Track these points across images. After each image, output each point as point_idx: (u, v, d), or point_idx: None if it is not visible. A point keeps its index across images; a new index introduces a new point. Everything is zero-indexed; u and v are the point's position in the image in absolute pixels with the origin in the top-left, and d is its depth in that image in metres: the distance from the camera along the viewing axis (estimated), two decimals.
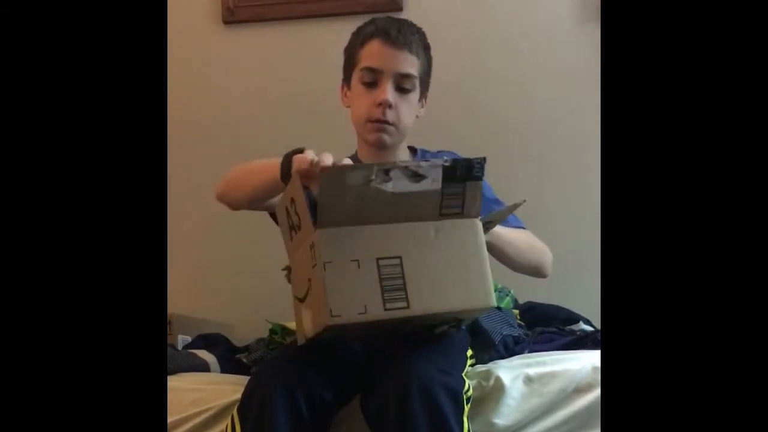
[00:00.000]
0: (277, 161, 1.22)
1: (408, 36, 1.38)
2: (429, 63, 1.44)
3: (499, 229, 1.28)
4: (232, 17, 2.03)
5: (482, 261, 1.13)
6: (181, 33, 2.01)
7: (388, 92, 1.36)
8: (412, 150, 1.50)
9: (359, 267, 1.08)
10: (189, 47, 2.04)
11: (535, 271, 1.40)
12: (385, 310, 1.08)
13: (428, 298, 1.10)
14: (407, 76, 1.38)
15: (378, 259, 1.09)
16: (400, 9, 1.94)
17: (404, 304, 1.08)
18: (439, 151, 1.49)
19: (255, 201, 1.35)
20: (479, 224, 1.14)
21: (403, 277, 1.09)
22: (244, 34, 2.05)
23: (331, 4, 1.98)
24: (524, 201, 1.21)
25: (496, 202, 1.46)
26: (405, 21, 1.44)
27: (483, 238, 1.14)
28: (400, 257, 1.10)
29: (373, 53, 1.38)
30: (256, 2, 2.02)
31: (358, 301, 1.07)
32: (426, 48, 1.43)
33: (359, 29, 1.43)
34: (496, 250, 1.28)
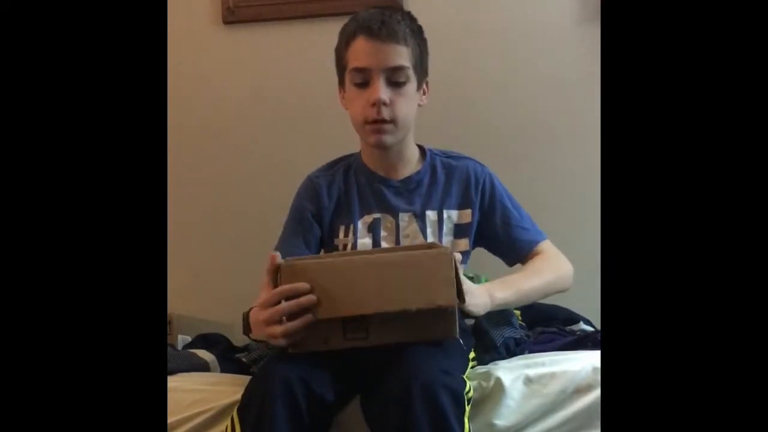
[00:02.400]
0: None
1: (393, 26, 1.31)
2: (421, 47, 1.38)
3: (514, 290, 1.32)
4: (232, 17, 2.03)
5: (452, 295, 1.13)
6: (181, 33, 2.01)
7: (381, 90, 1.31)
8: (422, 149, 1.47)
9: None
10: (189, 47, 2.03)
11: (558, 293, 1.43)
12: (345, 339, 1.14)
13: (388, 330, 1.14)
14: (398, 69, 1.32)
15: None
16: (399, 8, 1.93)
17: (364, 335, 1.14)
18: (447, 156, 1.47)
19: None
20: (451, 257, 1.13)
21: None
22: (244, 34, 2.04)
23: (332, 3, 1.97)
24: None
25: (515, 206, 1.45)
26: (389, 9, 1.37)
27: (452, 270, 1.13)
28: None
29: (359, 52, 1.33)
30: (256, 2, 2.01)
31: (320, 334, 1.14)
32: (415, 32, 1.36)
33: (344, 27, 1.38)
34: (515, 306, 1.38)
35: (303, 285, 1.11)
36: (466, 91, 1.96)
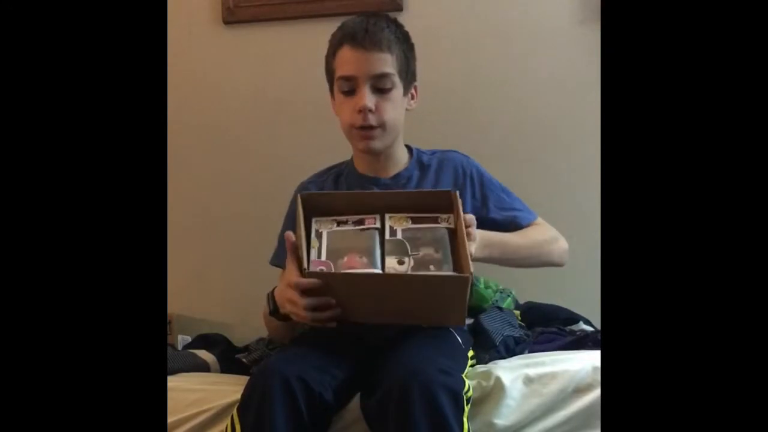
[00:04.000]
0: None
1: (377, 34, 1.33)
2: (407, 54, 1.39)
3: (501, 242, 1.33)
4: (232, 17, 2.03)
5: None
6: (181, 33, 2.01)
7: (366, 98, 1.33)
8: (409, 149, 1.47)
9: None
10: (189, 47, 2.03)
11: (549, 266, 1.43)
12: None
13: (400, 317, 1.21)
14: (383, 76, 1.34)
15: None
16: (400, 9, 1.93)
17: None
18: (433, 152, 1.48)
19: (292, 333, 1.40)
20: (468, 282, 1.18)
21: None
22: (244, 34, 2.04)
23: (331, 4, 1.97)
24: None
25: (504, 191, 1.46)
26: (374, 17, 1.39)
27: (467, 295, 1.18)
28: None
29: (345, 61, 1.35)
30: (256, 2, 2.01)
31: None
32: (400, 39, 1.38)
33: (331, 37, 1.40)
34: (501, 263, 1.35)
35: (328, 300, 1.18)
36: (466, 92, 1.96)
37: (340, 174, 1.48)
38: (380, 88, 1.35)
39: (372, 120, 1.34)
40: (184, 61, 2.01)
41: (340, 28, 1.39)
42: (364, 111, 1.34)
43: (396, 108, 1.37)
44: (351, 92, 1.36)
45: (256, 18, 2.02)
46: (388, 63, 1.35)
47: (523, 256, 1.39)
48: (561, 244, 1.44)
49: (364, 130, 1.35)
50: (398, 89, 1.37)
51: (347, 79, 1.35)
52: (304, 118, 2.00)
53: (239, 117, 2.05)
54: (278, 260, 1.41)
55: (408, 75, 1.40)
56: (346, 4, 1.95)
